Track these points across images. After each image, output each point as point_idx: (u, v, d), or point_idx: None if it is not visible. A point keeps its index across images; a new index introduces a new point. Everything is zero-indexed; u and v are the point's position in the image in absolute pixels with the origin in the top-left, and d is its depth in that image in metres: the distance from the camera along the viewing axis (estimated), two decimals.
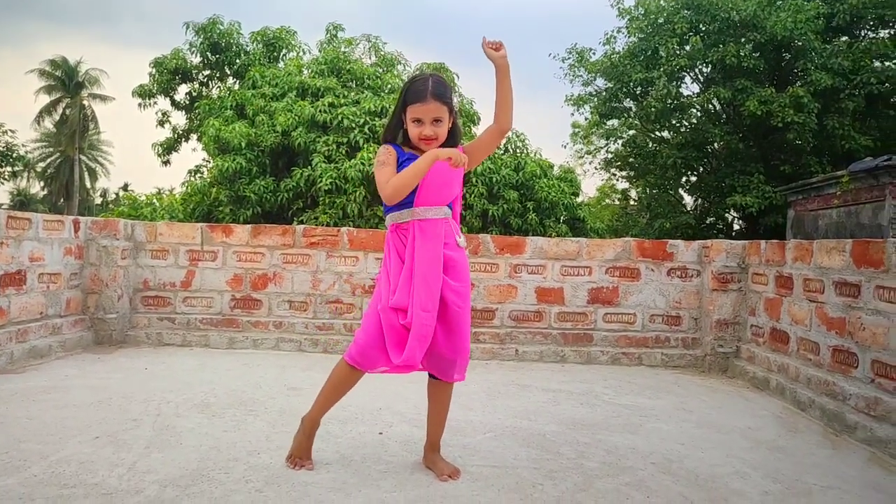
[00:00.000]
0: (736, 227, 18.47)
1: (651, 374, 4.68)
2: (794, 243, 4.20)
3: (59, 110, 37.56)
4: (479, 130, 13.06)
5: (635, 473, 2.61)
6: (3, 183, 23.61)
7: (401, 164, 2.39)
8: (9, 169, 22.56)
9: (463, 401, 3.51)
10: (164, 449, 2.66)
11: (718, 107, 17.12)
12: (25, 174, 37.12)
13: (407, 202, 2.39)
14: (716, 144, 17.30)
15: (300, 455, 2.53)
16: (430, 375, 2.53)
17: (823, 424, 3.44)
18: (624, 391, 4.10)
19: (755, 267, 4.71)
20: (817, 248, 3.89)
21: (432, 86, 2.36)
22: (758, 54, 15.20)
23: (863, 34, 16.49)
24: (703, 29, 15.97)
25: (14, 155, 22.47)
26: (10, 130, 22.23)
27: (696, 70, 17.08)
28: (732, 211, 17.19)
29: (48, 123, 37.81)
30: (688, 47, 15.83)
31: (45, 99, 37.10)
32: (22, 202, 43.05)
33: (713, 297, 4.89)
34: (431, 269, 2.36)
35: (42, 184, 40.76)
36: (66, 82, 36.96)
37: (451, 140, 2.46)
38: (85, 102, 37.79)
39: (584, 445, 2.94)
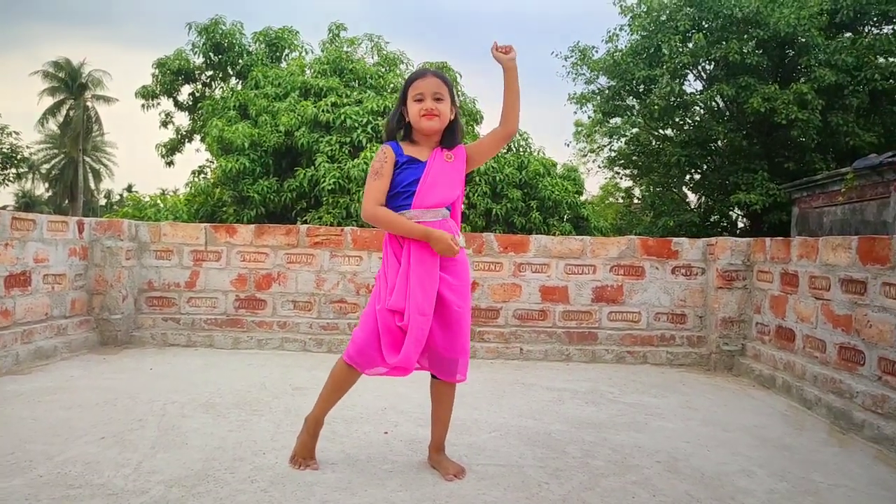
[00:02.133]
0: (740, 224, 18.42)
1: (656, 373, 4.67)
2: (799, 240, 4.18)
3: (63, 112, 37.66)
4: (481, 129, 13.06)
5: (641, 472, 2.60)
6: (7, 185, 23.73)
7: (399, 167, 2.39)
8: (13, 171, 22.62)
9: (468, 400, 3.51)
10: (169, 449, 2.66)
11: (722, 104, 17.07)
12: (30, 176, 37.21)
13: (404, 205, 2.38)
14: (719, 142, 17.25)
15: (304, 455, 2.53)
16: (433, 376, 2.53)
17: (830, 422, 3.42)
18: (629, 390, 4.09)
19: (760, 264, 4.69)
20: (823, 245, 3.87)
21: (434, 70, 2.48)
22: (761, 51, 15.14)
23: (867, 30, 16.41)
24: (706, 26, 15.92)
25: (19, 157, 22.56)
26: (15, 132, 22.32)
27: (700, 67, 17.03)
28: (736, 209, 17.14)
29: (52, 125, 37.94)
30: (691, 45, 15.78)
31: (49, 101, 37.23)
32: (27, 204, 43.17)
33: (718, 294, 4.88)
34: (427, 271, 2.35)
35: (46, 185, 40.88)
36: (70, 84, 37.05)
37: (453, 137, 2.46)
38: (88, 104, 37.89)
39: (590, 444, 2.93)
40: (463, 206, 3.01)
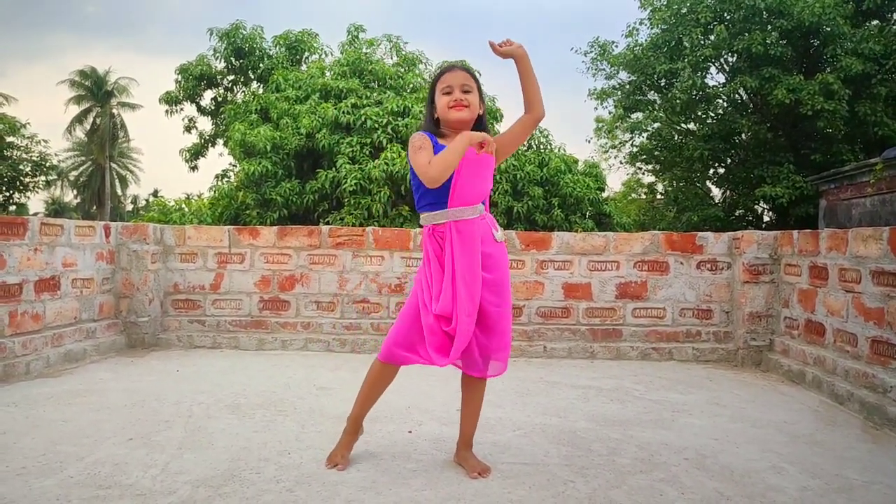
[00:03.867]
0: (766, 218, 18.12)
1: (682, 369, 4.61)
2: (828, 232, 4.09)
3: (90, 120, 38.37)
4: (500, 127, 13.01)
5: (668, 469, 2.56)
6: (38, 192, 24.18)
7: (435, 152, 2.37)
8: (43, 178, 23.08)
9: (492, 398, 3.48)
10: (195, 450, 2.69)
11: (745, 96, 16.81)
12: (59, 183, 37.96)
13: (441, 202, 2.36)
14: (743, 135, 16.99)
15: (340, 453, 2.54)
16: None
17: (863, 417, 3.34)
18: (655, 386, 4.04)
19: (788, 258, 4.61)
20: (853, 236, 3.79)
21: (461, 64, 2.50)
22: (785, 42, 14.88)
23: (894, 17, 16.04)
24: (728, 18, 15.69)
25: (48, 164, 23.00)
26: (44, 140, 22.76)
27: (722, 60, 16.78)
28: (762, 202, 16.87)
29: (79, 133, 38.67)
30: (712, 37, 15.56)
31: (76, 109, 37.97)
32: (56, 210, 44.07)
33: (745, 289, 4.80)
34: (471, 272, 2.34)
35: (75, 192, 41.67)
36: (96, 92, 37.73)
37: (481, 130, 2.44)
38: (114, 111, 38.55)
39: (616, 442, 2.90)
40: None
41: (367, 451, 2.70)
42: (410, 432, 2.98)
